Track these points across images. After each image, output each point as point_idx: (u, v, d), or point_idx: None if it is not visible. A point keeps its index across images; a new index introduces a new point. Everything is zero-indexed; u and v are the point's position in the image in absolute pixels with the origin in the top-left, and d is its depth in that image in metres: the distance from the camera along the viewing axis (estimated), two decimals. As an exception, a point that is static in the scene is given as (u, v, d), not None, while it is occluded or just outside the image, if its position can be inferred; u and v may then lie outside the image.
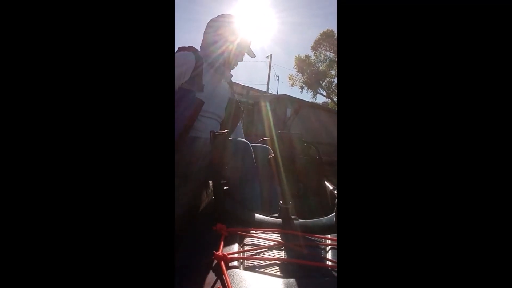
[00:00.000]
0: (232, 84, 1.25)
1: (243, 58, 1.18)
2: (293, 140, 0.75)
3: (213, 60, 1.07)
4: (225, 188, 0.75)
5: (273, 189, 1.00)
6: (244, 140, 0.95)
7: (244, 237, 0.60)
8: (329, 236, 0.62)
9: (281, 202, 0.73)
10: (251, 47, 1.17)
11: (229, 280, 0.42)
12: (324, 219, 0.72)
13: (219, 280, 0.43)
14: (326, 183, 1.31)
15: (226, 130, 0.71)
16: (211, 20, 1.11)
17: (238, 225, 0.67)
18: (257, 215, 0.73)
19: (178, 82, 0.98)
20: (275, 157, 0.80)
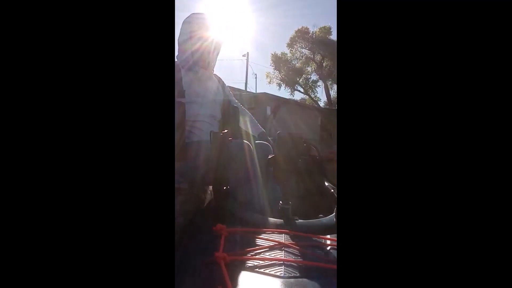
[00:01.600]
0: (224, 84, 1.25)
1: (219, 57, 1.17)
2: (293, 140, 0.75)
3: (184, 59, 1.06)
4: (225, 188, 0.75)
5: (273, 189, 1.00)
6: (245, 141, 0.96)
7: (244, 237, 0.60)
8: (329, 236, 0.62)
9: (281, 202, 0.73)
10: (222, 44, 1.15)
11: (229, 280, 0.42)
12: (324, 219, 0.72)
13: (219, 280, 0.43)
14: (326, 183, 1.30)
15: (226, 130, 0.71)
16: (183, 21, 1.11)
17: (238, 225, 0.67)
18: (257, 215, 0.73)
19: None
20: (274, 157, 0.80)
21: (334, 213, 0.72)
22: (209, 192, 1.09)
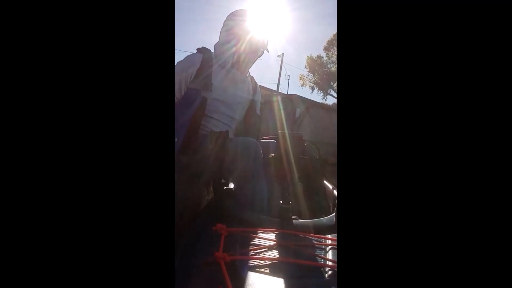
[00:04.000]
0: (256, 87, 1.20)
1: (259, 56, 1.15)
2: (293, 140, 0.75)
3: (224, 60, 1.05)
4: (225, 187, 0.75)
5: (273, 189, 1.00)
6: (253, 139, 0.94)
7: (244, 237, 0.60)
8: (329, 236, 0.62)
9: (281, 202, 0.73)
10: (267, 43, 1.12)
11: (229, 280, 0.42)
12: (324, 219, 0.72)
13: (219, 280, 0.43)
14: (326, 183, 1.30)
15: (226, 130, 0.71)
16: (226, 18, 1.10)
17: (238, 225, 0.67)
18: (257, 215, 0.73)
19: (184, 82, 0.99)
20: (275, 157, 0.80)
21: (334, 213, 0.72)
22: (209, 190, 1.09)
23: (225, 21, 1.09)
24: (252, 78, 1.21)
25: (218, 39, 1.10)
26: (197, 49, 1.08)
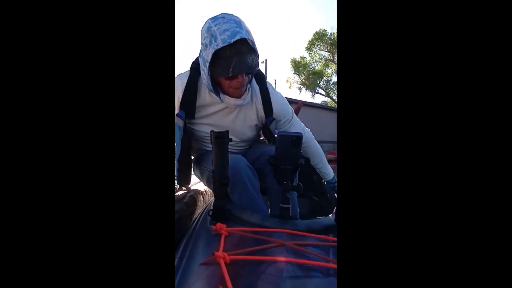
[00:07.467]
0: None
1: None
2: (292, 140, 0.75)
3: (203, 77, 0.87)
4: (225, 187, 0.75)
5: (273, 189, 1.00)
6: (240, 156, 0.93)
7: (244, 236, 0.60)
8: (329, 236, 0.62)
9: (281, 202, 0.73)
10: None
11: (229, 280, 0.42)
12: (324, 219, 0.72)
13: (219, 280, 0.43)
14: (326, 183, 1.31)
15: (226, 130, 0.71)
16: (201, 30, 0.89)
17: (238, 225, 0.67)
18: (257, 215, 0.73)
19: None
20: (274, 158, 0.80)
21: (334, 213, 0.73)
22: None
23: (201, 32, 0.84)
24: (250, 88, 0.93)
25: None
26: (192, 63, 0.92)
